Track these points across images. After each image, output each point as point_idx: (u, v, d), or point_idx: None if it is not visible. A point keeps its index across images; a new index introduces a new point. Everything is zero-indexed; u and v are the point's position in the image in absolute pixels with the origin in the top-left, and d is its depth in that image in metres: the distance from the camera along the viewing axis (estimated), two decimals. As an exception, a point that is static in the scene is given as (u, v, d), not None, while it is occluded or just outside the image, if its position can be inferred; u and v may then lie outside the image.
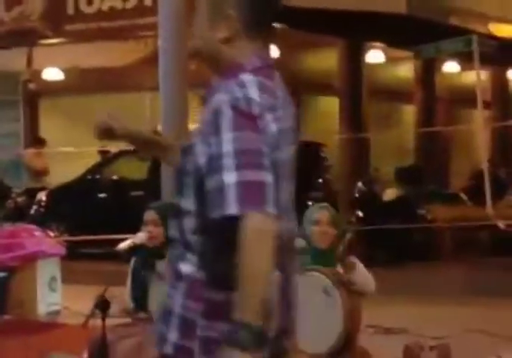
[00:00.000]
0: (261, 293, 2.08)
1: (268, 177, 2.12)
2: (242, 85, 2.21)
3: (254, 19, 2.38)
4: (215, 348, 2.23)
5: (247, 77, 2.24)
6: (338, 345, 4.56)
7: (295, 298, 2.50)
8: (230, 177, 2.05)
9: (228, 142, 2.11)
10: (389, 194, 12.99)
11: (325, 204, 5.66)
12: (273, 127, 2.22)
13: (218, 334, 2.24)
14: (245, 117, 2.16)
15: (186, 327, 2.30)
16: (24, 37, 14.77)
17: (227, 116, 2.14)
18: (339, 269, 4.77)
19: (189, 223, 2.25)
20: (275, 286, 2.29)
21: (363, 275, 4.82)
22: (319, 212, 5.00)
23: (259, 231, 2.04)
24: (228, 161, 2.07)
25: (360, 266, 4.87)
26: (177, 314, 2.30)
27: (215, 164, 2.10)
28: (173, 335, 2.29)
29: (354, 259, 4.87)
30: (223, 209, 2.04)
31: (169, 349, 2.32)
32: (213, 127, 2.16)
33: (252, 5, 2.39)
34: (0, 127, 17.07)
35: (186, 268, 2.28)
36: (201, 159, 2.17)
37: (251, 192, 2.07)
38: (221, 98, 2.18)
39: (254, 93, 2.21)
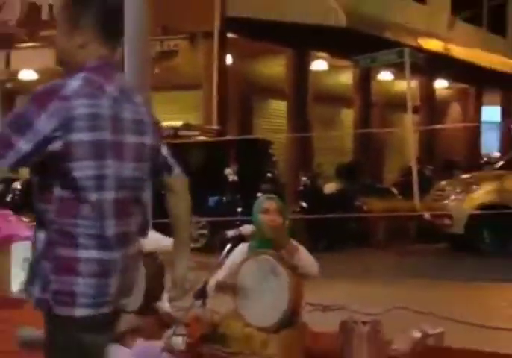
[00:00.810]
0: None
1: (19, 142, 2.33)
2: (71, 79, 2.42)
3: (102, 28, 2.50)
4: (65, 299, 2.42)
5: (80, 74, 2.41)
6: (283, 320, 4.60)
7: (130, 272, 2.62)
8: None
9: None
10: (330, 187, 13.02)
11: (273, 195, 5.70)
12: (83, 110, 2.36)
13: (65, 286, 2.41)
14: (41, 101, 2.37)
15: (44, 283, 2.42)
16: (2, 41, 14.58)
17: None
18: (284, 253, 4.81)
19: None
20: (115, 264, 2.49)
21: (305, 259, 4.86)
22: (267, 202, 5.03)
23: None
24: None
25: (303, 251, 4.91)
26: (38, 273, 2.45)
27: None
28: (36, 291, 2.43)
29: (296, 245, 4.92)
30: None
31: (33, 302, 2.46)
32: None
33: (101, 17, 2.51)
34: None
35: (40, 234, 2.43)
36: None
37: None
38: None
39: (74, 83, 2.39)
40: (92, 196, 2.42)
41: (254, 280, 4.69)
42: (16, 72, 16.31)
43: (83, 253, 2.44)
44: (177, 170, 2.76)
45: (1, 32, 14.61)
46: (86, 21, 2.49)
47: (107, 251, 2.48)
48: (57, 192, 2.44)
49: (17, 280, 7.18)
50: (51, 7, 13.62)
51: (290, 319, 4.63)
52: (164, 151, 2.75)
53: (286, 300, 4.56)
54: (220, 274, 4.99)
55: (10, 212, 8.05)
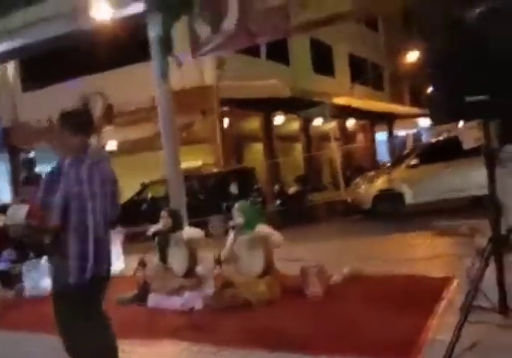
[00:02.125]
0: None
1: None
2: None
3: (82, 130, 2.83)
4: None
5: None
6: (264, 270, 4.58)
7: (104, 246, 2.73)
8: None
9: None
10: (292, 190, 13.06)
11: (244, 200, 5.70)
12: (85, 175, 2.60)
13: None
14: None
15: None
16: (94, 128, 14.58)
17: None
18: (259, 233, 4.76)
19: None
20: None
21: (273, 235, 4.85)
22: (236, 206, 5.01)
23: None
24: None
25: (269, 229, 4.89)
26: None
27: None
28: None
29: (266, 228, 4.89)
30: None
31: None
32: None
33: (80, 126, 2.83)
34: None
35: None
36: None
37: None
38: None
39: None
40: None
41: (242, 250, 4.67)
42: (105, 144, 16.37)
43: None
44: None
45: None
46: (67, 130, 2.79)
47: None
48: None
49: (113, 266, 7.08)
50: (118, 105, 13.67)
51: (268, 269, 4.60)
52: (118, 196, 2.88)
53: (262, 259, 4.55)
54: (225, 249, 4.97)
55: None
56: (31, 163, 7.82)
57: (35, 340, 4.35)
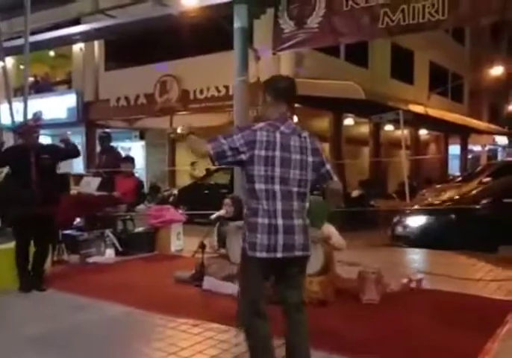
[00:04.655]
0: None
1: (221, 141, 2.49)
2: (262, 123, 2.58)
3: (277, 98, 2.67)
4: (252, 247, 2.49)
5: (267, 122, 2.60)
6: (321, 269, 4.53)
7: (291, 235, 2.51)
8: None
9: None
10: (355, 193, 12.86)
11: (315, 197, 5.64)
12: (262, 138, 2.51)
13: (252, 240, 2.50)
14: (244, 127, 2.58)
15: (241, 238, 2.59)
16: (168, 111, 14.97)
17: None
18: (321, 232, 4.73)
19: None
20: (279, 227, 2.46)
21: (335, 237, 4.79)
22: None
23: (201, 144, 2.59)
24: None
25: (334, 233, 4.82)
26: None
27: None
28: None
29: (329, 228, 4.83)
30: None
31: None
32: None
33: (276, 93, 2.62)
34: (156, 156, 17.35)
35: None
36: None
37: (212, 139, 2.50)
38: None
39: (261, 125, 2.57)
40: (263, 186, 2.48)
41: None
42: (176, 128, 16.71)
43: (261, 220, 2.47)
44: (335, 177, 2.74)
45: (167, 106, 15.00)
46: (270, 95, 2.65)
47: (275, 219, 2.47)
48: (244, 184, 2.57)
49: (173, 244, 7.32)
50: (194, 91, 13.94)
51: (325, 269, 4.56)
52: (328, 166, 2.72)
53: (321, 258, 4.50)
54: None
55: (171, 207, 8.24)
56: (108, 138, 8.13)
57: (96, 307, 4.51)
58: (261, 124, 2.56)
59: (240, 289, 2.71)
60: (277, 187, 2.50)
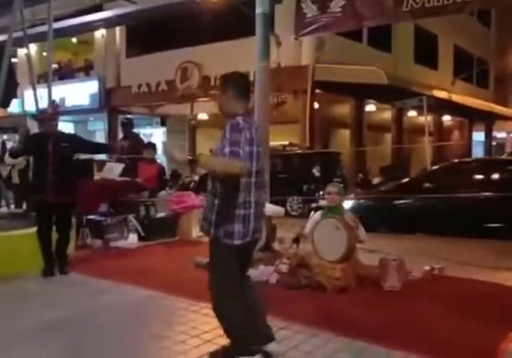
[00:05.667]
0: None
1: (240, 151, 2.63)
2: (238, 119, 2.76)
3: (240, 94, 2.89)
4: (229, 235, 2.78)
5: (238, 117, 2.78)
6: (343, 256, 4.53)
7: (262, 214, 2.95)
8: (227, 150, 2.63)
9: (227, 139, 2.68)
10: (376, 180, 12.76)
11: (335, 183, 5.64)
12: (248, 135, 2.72)
13: (229, 229, 2.80)
14: (235, 129, 2.70)
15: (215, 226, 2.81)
16: (189, 97, 15.01)
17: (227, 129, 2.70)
18: (346, 218, 4.71)
19: None
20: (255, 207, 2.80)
21: (361, 227, 4.81)
22: (330, 188, 4.96)
23: (231, 163, 2.63)
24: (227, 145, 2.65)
25: (356, 220, 4.81)
26: (212, 221, 2.83)
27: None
28: (212, 230, 2.85)
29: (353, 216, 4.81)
30: None
31: (210, 235, 2.84)
32: (224, 135, 2.71)
33: (238, 90, 2.87)
34: (176, 143, 17.46)
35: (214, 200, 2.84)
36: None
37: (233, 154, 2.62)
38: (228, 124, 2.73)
39: (240, 122, 2.74)
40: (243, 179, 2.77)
41: (324, 232, 4.63)
42: (196, 115, 16.78)
43: (238, 211, 2.76)
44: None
45: (188, 92, 15.03)
46: (232, 92, 2.84)
47: (249, 209, 2.81)
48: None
49: (194, 230, 7.35)
50: (215, 78, 13.91)
51: (347, 256, 4.55)
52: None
53: (344, 244, 4.49)
54: (306, 229, 4.95)
55: (191, 193, 8.27)
56: (130, 124, 8.17)
57: (117, 290, 4.58)
58: (239, 121, 2.76)
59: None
60: (253, 179, 2.85)
